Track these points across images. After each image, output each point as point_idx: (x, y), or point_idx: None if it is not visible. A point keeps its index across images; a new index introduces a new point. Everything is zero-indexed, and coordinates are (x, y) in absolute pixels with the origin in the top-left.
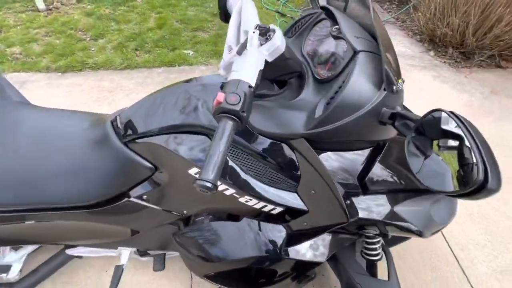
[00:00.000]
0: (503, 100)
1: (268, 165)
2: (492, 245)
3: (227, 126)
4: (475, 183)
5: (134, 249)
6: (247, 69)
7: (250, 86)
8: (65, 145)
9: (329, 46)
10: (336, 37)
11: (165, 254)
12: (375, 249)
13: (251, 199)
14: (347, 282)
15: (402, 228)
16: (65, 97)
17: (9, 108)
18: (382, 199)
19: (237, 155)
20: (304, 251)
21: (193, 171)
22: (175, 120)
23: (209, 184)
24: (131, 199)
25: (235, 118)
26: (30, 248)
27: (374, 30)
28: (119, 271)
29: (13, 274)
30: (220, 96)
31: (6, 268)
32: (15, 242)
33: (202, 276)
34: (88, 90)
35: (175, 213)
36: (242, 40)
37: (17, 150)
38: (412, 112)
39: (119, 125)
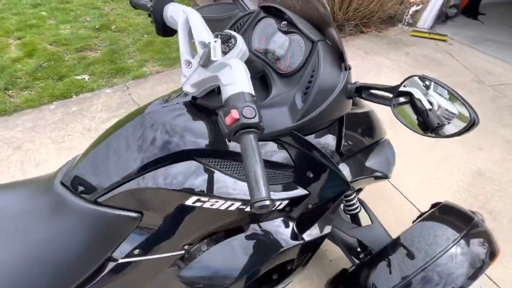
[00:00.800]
0: (374, 58)
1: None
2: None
3: (252, 140)
4: (470, 122)
5: None
6: (242, 79)
7: (252, 96)
8: (10, 233)
9: (282, 41)
10: (286, 32)
11: None
12: (354, 204)
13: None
14: (343, 241)
15: (376, 177)
16: None
17: None
18: (356, 160)
19: (231, 166)
20: (312, 230)
21: (190, 201)
22: (152, 155)
23: (267, 202)
24: (120, 261)
25: (256, 130)
26: None
27: (328, 18)
28: None
29: None
30: (235, 113)
31: None
32: None
33: None
34: None
35: (175, 253)
36: (200, 53)
37: None
38: (370, 83)
39: (76, 184)
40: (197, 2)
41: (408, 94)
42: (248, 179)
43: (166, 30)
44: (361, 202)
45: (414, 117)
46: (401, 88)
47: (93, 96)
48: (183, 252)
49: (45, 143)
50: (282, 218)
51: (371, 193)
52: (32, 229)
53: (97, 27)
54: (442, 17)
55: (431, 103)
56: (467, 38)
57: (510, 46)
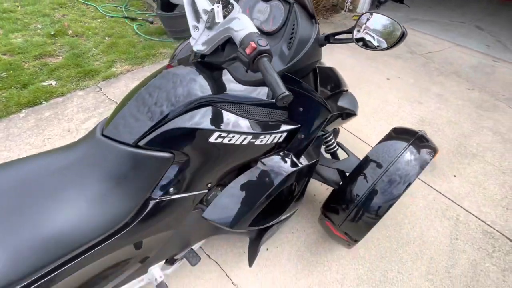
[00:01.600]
0: None
1: (264, 106)
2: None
3: (266, 61)
4: (401, 33)
5: (162, 263)
6: (250, 25)
7: (260, 34)
8: (67, 183)
9: (263, 7)
10: (266, 1)
11: (192, 248)
12: (332, 144)
13: (264, 137)
14: (327, 175)
15: (348, 115)
16: None
17: None
18: (330, 101)
19: (241, 108)
20: (306, 157)
21: (213, 138)
22: (177, 102)
23: (286, 93)
24: (158, 199)
25: (268, 55)
26: None
27: None
28: (164, 286)
29: None
30: (253, 44)
31: None
32: None
33: (247, 228)
34: None
35: (200, 192)
36: (205, 18)
37: (20, 211)
38: (336, 31)
39: (117, 132)
40: None
41: (361, 29)
42: (270, 85)
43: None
44: (338, 144)
45: (369, 42)
46: (356, 28)
47: (65, 100)
48: (206, 191)
49: (24, 148)
50: (282, 152)
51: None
52: (86, 175)
53: (52, 33)
54: (376, 3)
55: (375, 31)
56: (397, 18)
57: (431, 23)
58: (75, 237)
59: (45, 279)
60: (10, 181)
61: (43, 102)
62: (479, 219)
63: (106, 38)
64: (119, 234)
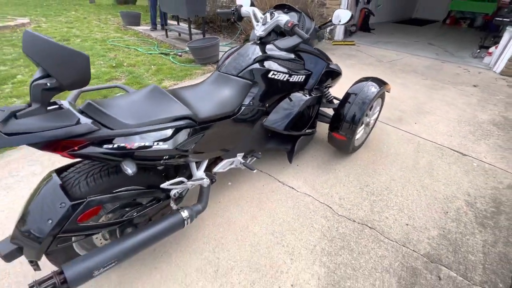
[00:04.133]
0: None
1: (291, 61)
2: None
3: (297, 28)
4: (351, 16)
5: (243, 153)
6: (287, 18)
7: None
8: (212, 91)
9: (286, 18)
10: (286, 12)
11: (254, 155)
12: (329, 95)
13: (293, 77)
14: (326, 115)
15: (336, 75)
16: None
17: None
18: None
19: (281, 61)
20: (315, 92)
21: (270, 74)
22: (252, 59)
23: (306, 36)
24: (245, 106)
25: (298, 25)
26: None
27: (304, 5)
28: (251, 158)
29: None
30: (291, 22)
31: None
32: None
33: (286, 129)
34: None
35: (263, 108)
36: (261, 20)
37: (205, 94)
38: (323, 24)
39: (227, 70)
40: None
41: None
42: (301, 36)
43: (240, 18)
44: (334, 97)
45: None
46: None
47: None
48: (265, 108)
49: None
50: (302, 90)
51: None
52: (214, 90)
53: (113, 65)
54: (348, 32)
55: (338, 17)
56: (366, 42)
57: (392, 43)
58: (223, 108)
59: (209, 124)
60: (201, 87)
61: None
62: (432, 141)
63: (152, 66)
64: (232, 117)
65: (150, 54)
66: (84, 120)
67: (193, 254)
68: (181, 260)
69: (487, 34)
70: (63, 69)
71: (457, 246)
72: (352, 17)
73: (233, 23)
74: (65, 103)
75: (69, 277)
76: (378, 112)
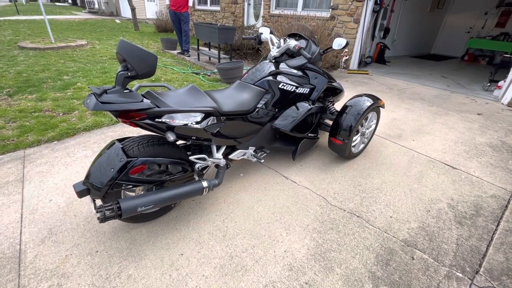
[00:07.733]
0: None
1: (298, 76)
2: None
3: (303, 50)
4: (347, 42)
5: (254, 148)
6: (295, 43)
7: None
8: (235, 95)
9: (296, 41)
10: (297, 39)
11: (263, 151)
12: (333, 109)
13: (299, 89)
14: (328, 125)
15: (337, 91)
16: None
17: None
18: (328, 83)
19: (290, 76)
20: (318, 103)
21: (281, 85)
22: (267, 73)
23: (309, 56)
24: (258, 108)
25: (303, 48)
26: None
27: (312, 33)
28: (261, 153)
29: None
30: (298, 45)
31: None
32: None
33: (292, 130)
34: None
35: (273, 112)
36: (276, 44)
37: (229, 96)
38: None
39: (246, 80)
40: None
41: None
42: (305, 56)
43: (260, 42)
44: (336, 110)
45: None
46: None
47: None
48: (275, 112)
49: None
50: (307, 100)
51: None
52: (235, 93)
53: (152, 79)
54: (363, 63)
55: (338, 43)
56: (380, 72)
57: (405, 74)
58: (241, 106)
59: (229, 116)
60: (228, 92)
61: None
62: (426, 155)
63: (184, 82)
64: (249, 114)
65: (184, 72)
66: (145, 100)
67: (207, 222)
68: (197, 225)
69: (497, 68)
70: (141, 64)
71: (433, 236)
72: (348, 43)
73: (257, 51)
74: (133, 90)
75: (123, 207)
76: (374, 126)
